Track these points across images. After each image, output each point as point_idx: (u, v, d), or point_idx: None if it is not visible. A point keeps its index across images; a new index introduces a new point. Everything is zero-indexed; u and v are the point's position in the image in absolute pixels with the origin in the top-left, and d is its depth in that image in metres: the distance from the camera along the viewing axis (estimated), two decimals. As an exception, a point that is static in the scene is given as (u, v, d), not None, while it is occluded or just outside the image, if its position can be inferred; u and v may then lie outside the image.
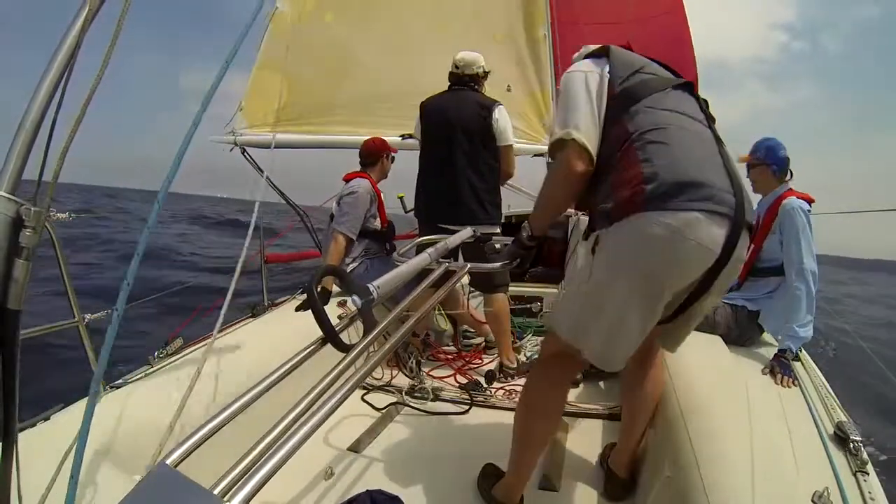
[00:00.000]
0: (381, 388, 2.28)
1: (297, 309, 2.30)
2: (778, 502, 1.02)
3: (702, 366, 1.59)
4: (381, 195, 2.81)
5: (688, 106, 1.19)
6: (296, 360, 0.68)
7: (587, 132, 1.16)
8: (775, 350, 1.92)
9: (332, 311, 0.74)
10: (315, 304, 0.68)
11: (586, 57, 1.30)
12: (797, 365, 1.87)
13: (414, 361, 2.41)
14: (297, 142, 3.20)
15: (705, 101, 1.26)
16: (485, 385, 2.31)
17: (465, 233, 1.55)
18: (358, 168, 2.78)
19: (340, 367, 0.67)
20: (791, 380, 1.74)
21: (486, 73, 2.42)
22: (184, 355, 1.75)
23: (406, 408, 2.12)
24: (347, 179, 2.71)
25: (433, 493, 1.56)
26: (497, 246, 2.00)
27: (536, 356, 2.06)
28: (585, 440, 1.85)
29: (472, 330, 2.92)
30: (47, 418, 1.27)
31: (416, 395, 2.21)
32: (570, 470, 1.66)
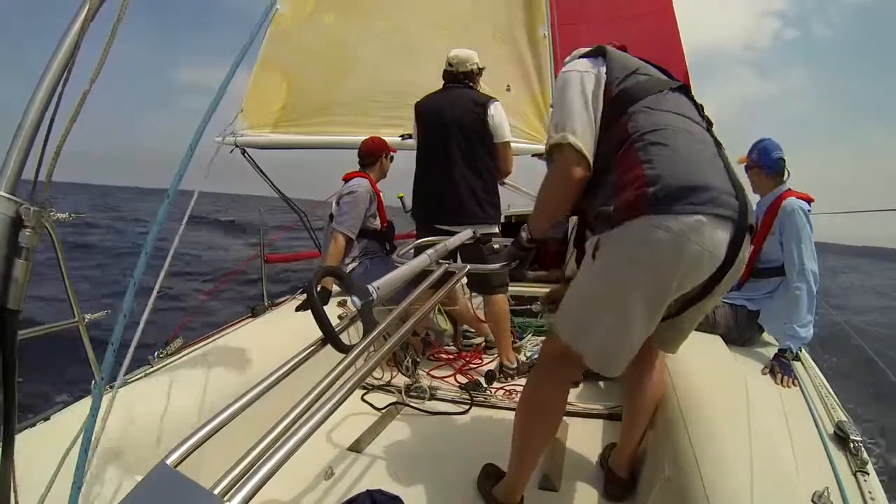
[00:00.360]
0: (381, 388, 2.28)
1: (298, 309, 2.30)
2: (778, 502, 1.02)
3: (702, 366, 1.59)
4: (381, 195, 2.81)
5: (685, 108, 1.19)
6: (296, 360, 0.68)
7: (584, 136, 1.15)
8: (775, 350, 1.92)
9: (332, 311, 0.74)
10: (315, 305, 0.68)
11: (582, 56, 1.29)
12: (797, 365, 1.87)
13: (410, 360, 2.41)
14: (297, 142, 3.20)
15: (701, 105, 1.26)
16: (485, 385, 2.31)
17: (465, 234, 1.55)
18: (357, 168, 2.78)
19: (340, 367, 0.67)
20: (791, 379, 1.74)
21: (480, 70, 2.39)
22: (184, 355, 1.75)
23: (406, 408, 2.13)
24: (347, 179, 2.71)
25: (433, 492, 1.56)
26: (496, 247, 2.00)
27: (536, 356, 2.06)
28: (585, 440, 1.85)
29: (473, 330, 2.92)
30: (47, 418, 1.27)
31: (412, 394, 2.21)
32: (570, 470, 1.66)
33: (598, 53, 1.26)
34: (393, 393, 2.24)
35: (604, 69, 1.21)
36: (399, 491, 1.47)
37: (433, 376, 2.45)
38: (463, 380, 2.39)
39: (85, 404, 1.31)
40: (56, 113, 0.61)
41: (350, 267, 2.62)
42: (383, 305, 0.87)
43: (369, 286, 0.79)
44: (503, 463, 1.47)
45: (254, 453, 0.49)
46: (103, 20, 0.69)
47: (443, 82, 2.39)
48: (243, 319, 2.33)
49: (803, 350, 1.98)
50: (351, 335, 0.78)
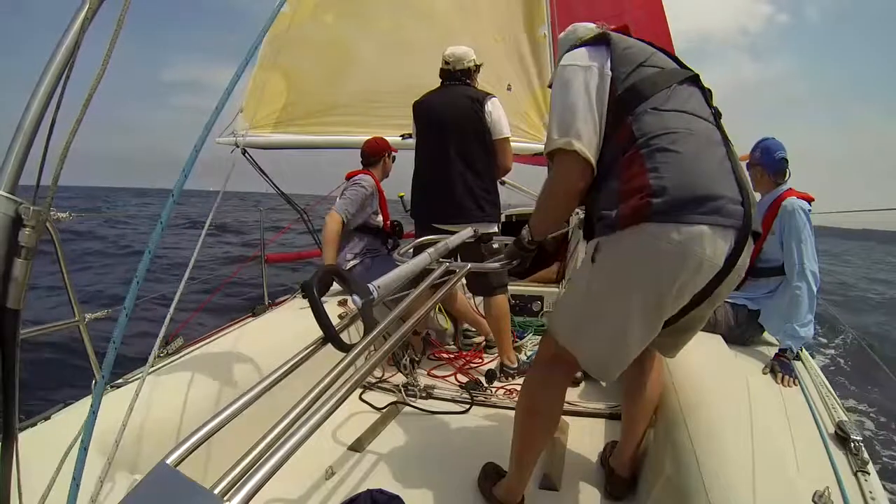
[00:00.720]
0: (381, 388, 2.28)
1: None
2: (778, 502, 1.02)
3: (702, 365, 1.59)
4: (384, 193, 2.84)
5: (694, 103, 1.14)
6: (296, 359, 0.68)
7: (590, 143, 1.11)
8: (776, 349, 1.92)
9: (332, 310, 0.74)
10: (315, 305, 0.68)
11: (583, 45, 1.21)
12: (798, 364, 1.87)
13: (408, 359, 2.41)
14: (297, 142, 3.21)
15: (709, 90, 1.20)
16: (485, 384, 2.31)
17: (466, 233, 1.54)
18: (358, 168, 2.81)
19: (341, 366, 0.66)
20: (792, 379, 1.74)
21: (478, 67, 2.37)
22: (184, 355, 1.75)
23: (407, 407, 2.12)
24: (350, 178, 2.74)
25: (434, 492, 1.56)
26: (495, 246, 2.00)
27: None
28: (586, 440, 1.85)
29: (473, 329, 2.92)
30: (47, 418, 1.27)
31: (408, 392, 2.22)
32: (571, 469, 1.66)
33: (601, 41, 1.19)
34: (393, 392, 2.24)
35: (608, 63, 1.14)
36: (400, 490, 1.47)
37: (434, 375, 2.45)
38: (463, 379, 2.39)
39: (85, 404, 1.31)
40: (57, 113, 0.60)
41: (351, 264, 2.63)
42: (384, 304, 0.87)
43: (370, 285, 0.79)
44: (504, 462, 1.47)
45: (254, 453, 0.49)
46: (104, 20, 0.69)
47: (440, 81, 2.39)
48: (243, 319, 2.33)
49: (804, 350, 1.98)
50: (351, 334, 0.78)
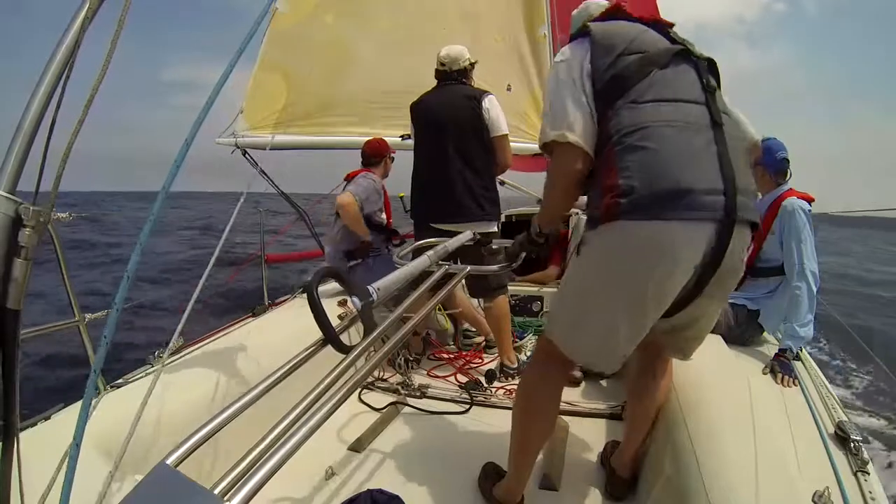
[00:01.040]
0: (381, 389, 2.28)
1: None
2: (778, 502, 1.02)
3: (702, 365, 1.58)
4: (387, 193, 2.86)
5: (679, 85, 1.10)
6: (296, 360, 0.68)
7: (583, 131, 1.12)
8: (776, 349, 1.92)
9: (332, 311, 0.74)
10: (315, 306, 0.68)
11: (571, 39, 1.23)
12: (798, 364, 1.87)
13: (403, 359, 2.42)
14: (297, 143, 3.21)
15: (708, 59, 1.16)
16: (485, 384, 2.31)
17: (465, 235, 1.55)
18: (358, 168, 2.83)
19: (340, 367, 0.66)
20: (792, 379, 1.74)
21: (472, 65, 2.37)
22: (184, 355, 1.75)
23: (407, 407, 2.13)
24: (350, 178, 2.74)
25: (434, 492, 1.56)
26: (494, 247, 2.00)
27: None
28: (586, 440, 1.85)
29: (473, 329, 2.92)
30: (47, 418, 1.27)
31: (408, 392, 2.22)
32: (571, 469, 1.66)
33: (584, 33, 1.19)
34: (393, 393, 2.24)
35: (588, 57, 1.14)
36: (400, 490, 1.47)
37: (434, 375, 2.45)
38: (463, 379, 2.39)
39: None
40: (57, 113, 0.60)
41: (351, 265, 2.63)
42: (384, 306, 0.87)
43: (369, 287, 0.79)
44: (503, 462, 1.47)
45: (254, 453, 0.49)
46: (104, 20, 0.69)
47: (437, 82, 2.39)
48: (243, 319, 2.33)
49: (804, 350, 1.98)
50: (351, 336, 0.77)
